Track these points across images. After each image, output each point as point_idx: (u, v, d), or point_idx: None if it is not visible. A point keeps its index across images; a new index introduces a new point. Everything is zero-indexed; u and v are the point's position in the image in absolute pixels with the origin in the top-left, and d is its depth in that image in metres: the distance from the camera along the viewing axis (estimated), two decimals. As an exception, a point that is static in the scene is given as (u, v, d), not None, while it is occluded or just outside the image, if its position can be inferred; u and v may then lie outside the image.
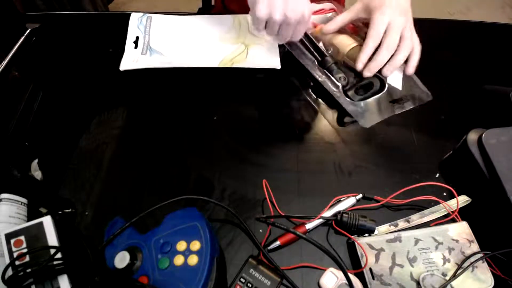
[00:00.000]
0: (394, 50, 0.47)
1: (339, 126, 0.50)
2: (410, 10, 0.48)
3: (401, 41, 0.47)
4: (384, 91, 0.49)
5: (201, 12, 0.93)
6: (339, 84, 0.50)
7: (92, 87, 0.54)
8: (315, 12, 0.58)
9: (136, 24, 0.59)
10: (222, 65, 0.54)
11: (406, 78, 0.51)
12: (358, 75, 0.49)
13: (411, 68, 0.48)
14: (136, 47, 0.57)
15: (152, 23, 0.60)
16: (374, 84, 0.50)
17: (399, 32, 0.46)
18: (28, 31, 0.58)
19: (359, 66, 0.47)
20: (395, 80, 0.51)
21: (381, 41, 0.47)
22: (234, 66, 0.54)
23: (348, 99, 0.49)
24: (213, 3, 0.91)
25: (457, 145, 0.46)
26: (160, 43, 0.58)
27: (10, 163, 0.45)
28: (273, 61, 0.55)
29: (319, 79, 0.50)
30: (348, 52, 0.50)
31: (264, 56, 0.56)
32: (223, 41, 0.58)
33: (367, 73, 0.47)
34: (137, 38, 0.58)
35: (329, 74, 0.51)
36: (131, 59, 0.56)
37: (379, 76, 0.49)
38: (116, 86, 0.55)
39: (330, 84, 0.50)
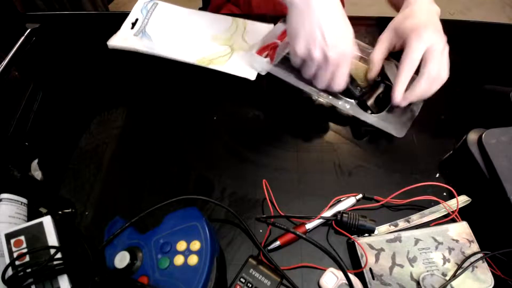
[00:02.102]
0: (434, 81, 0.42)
1: (357, 139, 0.49)
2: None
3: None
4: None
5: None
6: (351, 101, 0.48)
7: (92, 87, 0.54)
8: (260, 51, 0.53)
9: (140, 7, 0.61)
10: (199, 63, 0.55)
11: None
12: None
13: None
14: (132, 28, 0.58)
15: (156, 9, 0.61)
16: (384, 91, 0.48)
17: (440, 58, 0.42)
18: (28, 31, 0.58)
19: (398, 99, 0.43)
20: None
21: (419, 68, 0.42)
22: (210, 66, 0.54)
23: (369, 114, 0.47)
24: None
25: (457, 145, 0.46)
26: (155, 29, 0.58)
27: (10, 163, 0.45)
28: (250, 71, 0.54)
29: (327, 101, 0.48)
30: (351, 70, 0.47)
31: (244, 64, 0.55)
32: (214, 40, 0.58)
33: (403, 102, 0.44)
34: (136, 20, 0.59)
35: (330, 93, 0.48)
36: (122, 37, 0.56)
37: (385, 82, 0.48)
38: (116, 86, 0.55)
39: (341, 103, 0.48)
